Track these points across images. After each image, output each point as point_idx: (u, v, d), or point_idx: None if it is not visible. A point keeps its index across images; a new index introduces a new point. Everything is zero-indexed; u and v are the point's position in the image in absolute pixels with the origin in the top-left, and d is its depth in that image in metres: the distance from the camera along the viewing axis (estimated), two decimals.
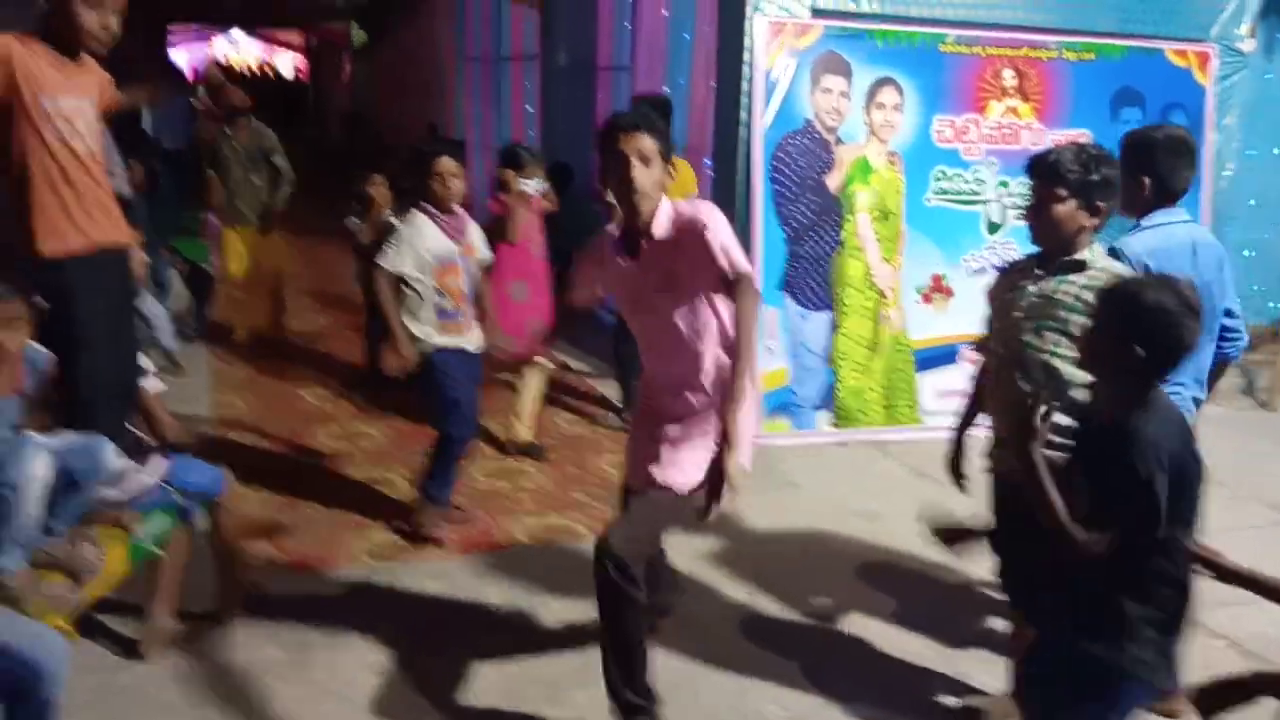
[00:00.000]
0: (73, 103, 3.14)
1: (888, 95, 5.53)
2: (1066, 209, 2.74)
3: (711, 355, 2.89)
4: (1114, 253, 2.95)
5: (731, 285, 2.78)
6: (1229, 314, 3.27)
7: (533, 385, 5.26)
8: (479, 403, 4.33)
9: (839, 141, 5.50)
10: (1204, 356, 3.16)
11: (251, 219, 6.81)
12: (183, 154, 9.94)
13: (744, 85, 5.36)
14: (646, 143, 2.74)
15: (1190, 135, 3.23)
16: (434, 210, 4.11)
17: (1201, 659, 2.52)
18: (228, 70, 13.94)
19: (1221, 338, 3.25)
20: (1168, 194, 3.10)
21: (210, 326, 7.26)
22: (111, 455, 2.80)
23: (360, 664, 3.35)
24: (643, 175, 2.74)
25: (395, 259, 4.04)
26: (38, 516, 2.65)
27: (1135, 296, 2.17)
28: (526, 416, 5.24)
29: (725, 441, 2.67)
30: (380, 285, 4.05)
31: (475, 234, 4.31)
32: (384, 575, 3.95)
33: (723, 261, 2.75)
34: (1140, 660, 2.15)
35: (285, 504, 4.51)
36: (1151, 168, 3.08)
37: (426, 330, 4.10)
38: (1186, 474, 2.14)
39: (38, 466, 2.56)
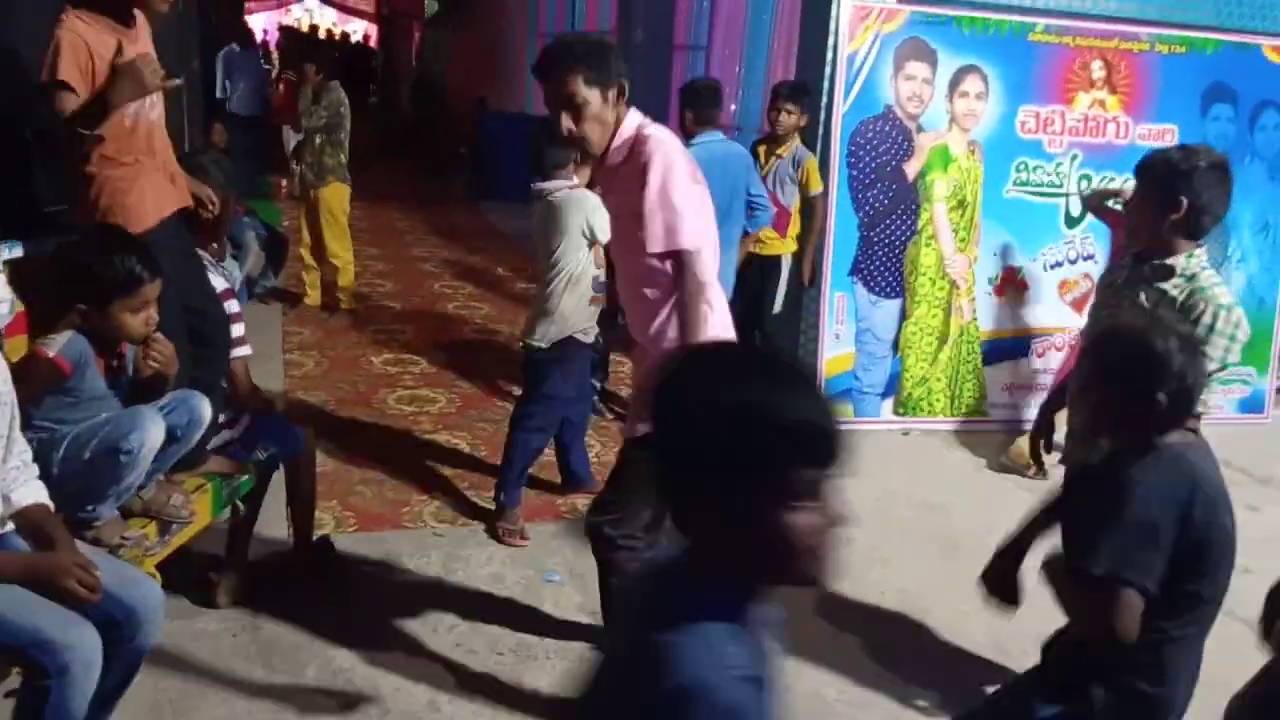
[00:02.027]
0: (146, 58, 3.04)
1: (972, 84, 5.45)
2: (1149, 207, 2.71)
3: (667, 311, 2.65)
4: None
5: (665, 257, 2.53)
6: (751, 195, 4.81)
7: None
8: None
9: (920, 129, 5.43)
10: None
11: (311, 178, 6.85)
12: (257, 119, 10.12)
13: (826, 69, 5.31)
14: (570, 83, 2.49)
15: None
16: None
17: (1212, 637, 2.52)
18: (298, 33, 13.99)
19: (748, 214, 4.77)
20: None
21: (282, 289, 7.38)
22: (208, 409, 2.86)
23: (424, 622, 3.42)
24: (569, 119, 2.52)
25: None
26: (140, 477, 2.73)
27: (1148, 348, 2.03)
28: None
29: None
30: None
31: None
32: (444, 538, 4.01)
33: (651, 229, 2.50)
34: None
35: (352, 465, 4.59)
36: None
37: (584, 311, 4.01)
38: (1195, 536, 2.01)
39: (156, 435, 2.64)
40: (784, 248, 5.43)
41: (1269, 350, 6.12)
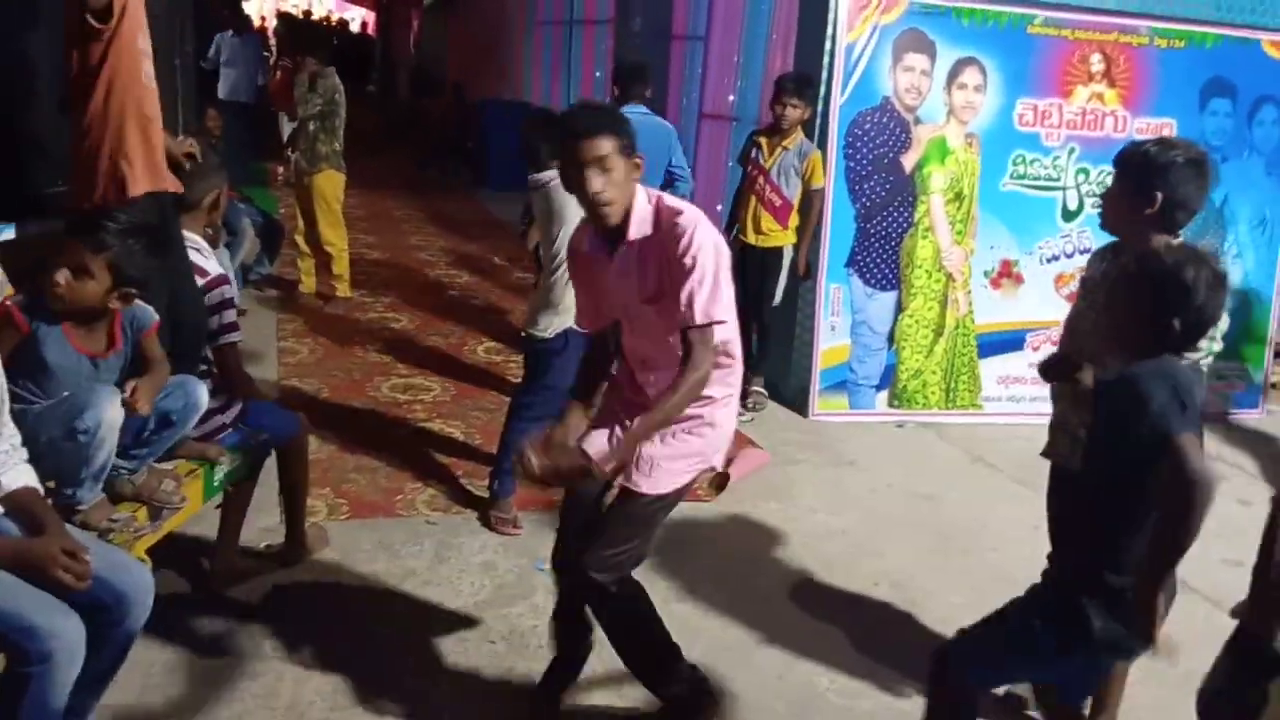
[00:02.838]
0: (145, 39, 3.06)
1: (970, 76, 5.43)
2: (1124, 198, 2.71)
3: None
4: None
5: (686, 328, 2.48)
6: (672, 166, 5.20)
7: None
8: None
9: (917, 121, 5.41)
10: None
11: (305, 165, 6.83)
12: (252, 106, 10.07)
13: (825, 60, 5.29)
14: (604, 146, 2.45)
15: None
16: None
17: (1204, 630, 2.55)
18: (296, 21, 13.96)
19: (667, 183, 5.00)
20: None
21: (276, 276, 7.36)
22: (204, 393, 2.85)
23: (417, 610, 3.42)
24: (600, 182, 2.47)
25: None
26: (112, 455, 2.71)
27: (1176, 273, 2.14)
28: None
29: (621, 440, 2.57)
30: None
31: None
32: (437, 526, 4.00)
33: (685, 297, 2.46)
34: (1108, 637, 2.20)
35: (345, 453, 4.58)
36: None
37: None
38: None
39: (113, 413, 2.61)
40: (785, 239, 5.41)
41: (1263, 345, 6.12)
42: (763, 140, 5.38)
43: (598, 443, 2.62)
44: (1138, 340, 2.21)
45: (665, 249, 2.51)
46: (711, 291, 2.48)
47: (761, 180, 5.35)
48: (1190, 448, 2.04)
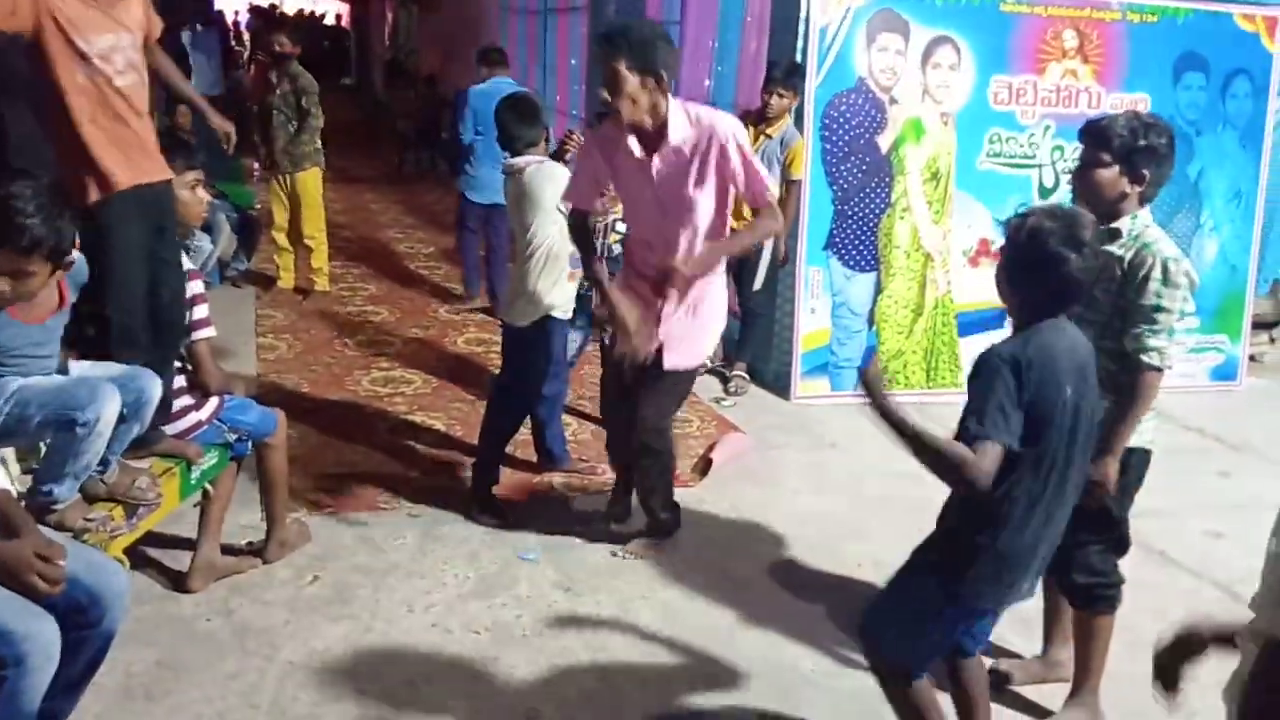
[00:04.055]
0: (110, 40, 3.04)
1: (944, 55, 5.42)
2: (1109, 174, 2.74)
3: (707, 238, 3.39)
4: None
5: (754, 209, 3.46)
6: None
7: None
8: None
9: (893, 101, 5.41)
10: None
11: (287, 165, 6.79)
12: (222, 99, 9.98)
13: (799, 42, 5.27)
14: (612, 67, 3.10)
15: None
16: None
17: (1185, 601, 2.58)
18: (270, 14, 13.88)
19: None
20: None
21: (254, 271, 7.31)
22: (157, 388, 2.81)
23: (399, 602, 3.41)
24: (609, 93, 3.16)
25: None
26: (98, 456, 2.69)
27: (1034, 234, 2.22)
28: None
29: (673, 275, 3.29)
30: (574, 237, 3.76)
31: None
32: (420, 520, 3.99)
33: (752, 187, 3.31)
34: (978, 588, 2.31)
35: (327, 447, 4.56)
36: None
37: (562, 289, 4.01)
38: (1047, 403, 2.18)
39: (112, 410, 2.60)
40: None
41: (1241, 318, 6.15)
42: (748, 127, 5.30)
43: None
44: (1014, 306, 2.31)
45: (708, 142, 3.22)
46: (762, 176, 3.35)
47: None
48: (976, 460, 2.13)
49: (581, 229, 3.62)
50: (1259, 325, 6.48)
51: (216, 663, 3.04)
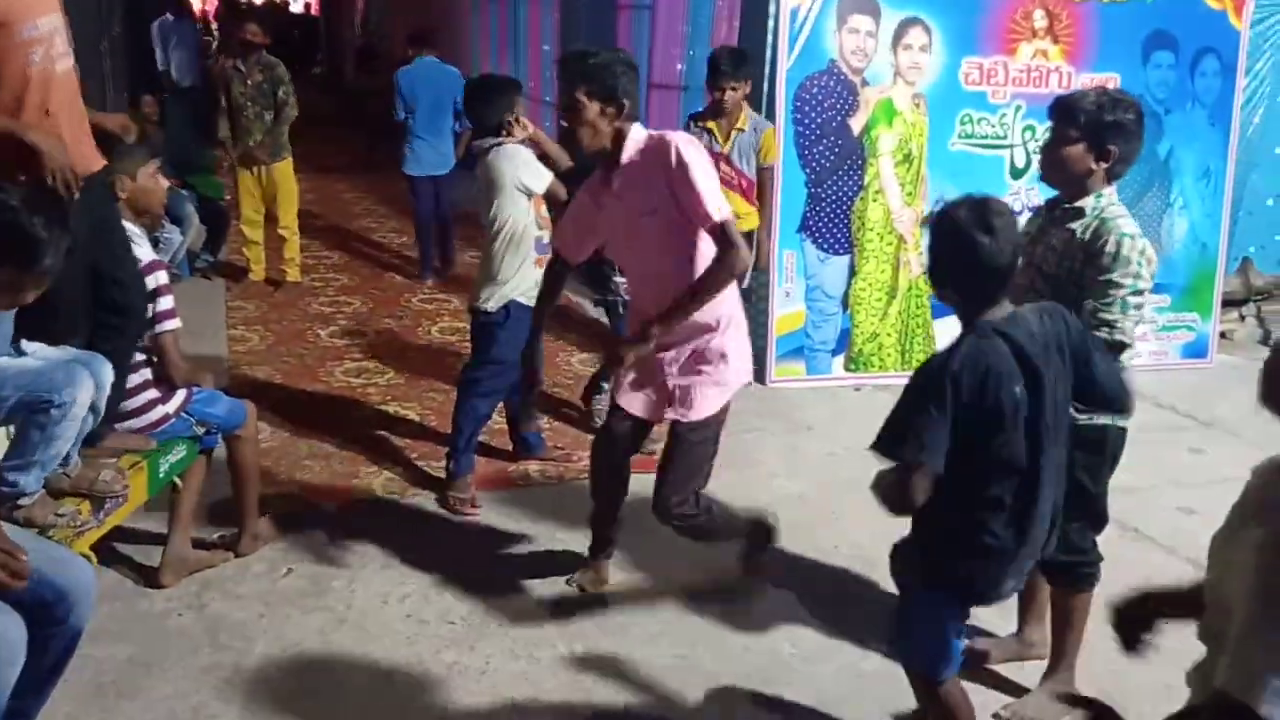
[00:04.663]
0: (49, 21, 2.91)
1: (915, 36, 5.42)
2: (1076, 150, 2.73)
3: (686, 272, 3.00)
4: None
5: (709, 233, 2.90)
6: (457, 102, 6.28)
7: None
8: None
9: (864, 83, 5.40)
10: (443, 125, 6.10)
11: (264, 156, 6.72)
12: (195, 90, 9.85)
13: (770, 24, 5.25)
14: (570, 94, 2.96)
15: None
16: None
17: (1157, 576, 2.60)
18: (237, 4, 13.70)
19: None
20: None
21: (224, 263, 7.23)
22: (108, 374, 2.75)
23: (374, 594, 3.39)
24: (566, 119, 3.00)
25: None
26: (68, 445, 2.66)
27: (947, 225, 2.20)
28: None
29: (637, 333, 3.01)
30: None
31: None
32: (394, 510, 3.96)
33: (691, 207, 2.88)
34: (955, 573, 2.33)
35: (299, 439, 4.52)
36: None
37: (528, 273, 3.94)
38: (989, 406, 2.15)
39: (87, 393, 2.57)
40: (755, 220, 5.06)
41: (1211, 295, 6.20)
42: (712, 125, 4.93)
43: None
44: (952, 303, 2.28)
45: (657, 164, 2.93)
46: (715, 191, 2.92)
47: (724, 165, 4.91)
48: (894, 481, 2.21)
49: (554, 275, 3.38)
50: (1229, 303, 6.52)
51: (189, 657, 3.01)
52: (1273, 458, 1.70)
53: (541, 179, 3.91)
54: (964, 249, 2.17)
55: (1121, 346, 2.64)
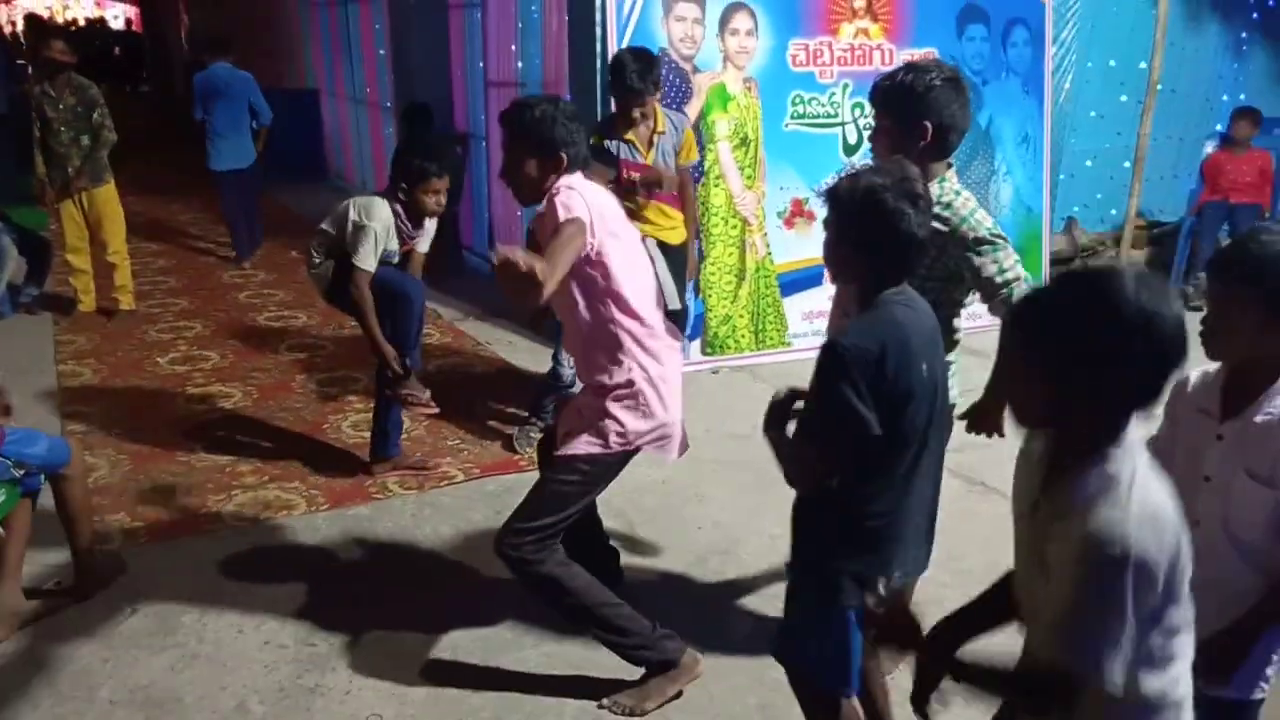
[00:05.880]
0: None
1: (741, 21, 5.51)
2: (895, 135, 2.59)
3: (583, 342, 2.85)
4: None
5: None
6: (252, 102, 7.39)
7: None
8: None
9: (695, 70, 5.46)
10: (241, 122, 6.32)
11: (84, 182, 6.37)
12: (8, 117, 9.28)
13: (597, 16, 5.25)
14: (511, 144, 2.87)
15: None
16: (401, 214, 4.01)
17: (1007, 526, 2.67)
18: (45, 23, 12.96)
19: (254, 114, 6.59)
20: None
21: (50, 296, 6.83)
22: None
23: (228, 625, 3.25)
24: (503, 166, 2.91)
25: (371, 260, 3.93)
26: None
27: (868, 194, 2.05)
28: None
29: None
30: (360, 291, 3.92)
31: (426, 239, 4.24)
32: (247, 537, 3.82)
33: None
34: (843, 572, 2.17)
35: (140, 472, 4.30)
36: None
37: None
38: (905, 385, 2.05)
39: None
40: (684, 233, 4.71)
41: (1040, 255, 6.51)
42: (631, 137, 4.43)
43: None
44: (857, 277, 2.16)
45: (549, 223, 2.74)
46: (556, 247, 2.61)
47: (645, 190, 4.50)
48: (796, 460, 2.14)
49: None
50: (1058, 261, 6.86)
51: (29, 714, 2.83)
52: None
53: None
54: (888, 219, 2.02)
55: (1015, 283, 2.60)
